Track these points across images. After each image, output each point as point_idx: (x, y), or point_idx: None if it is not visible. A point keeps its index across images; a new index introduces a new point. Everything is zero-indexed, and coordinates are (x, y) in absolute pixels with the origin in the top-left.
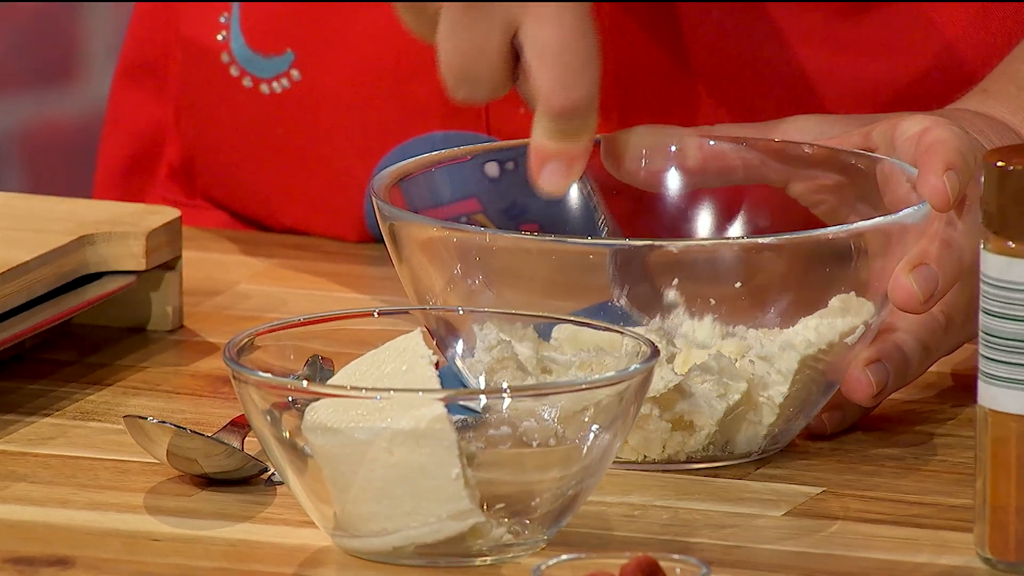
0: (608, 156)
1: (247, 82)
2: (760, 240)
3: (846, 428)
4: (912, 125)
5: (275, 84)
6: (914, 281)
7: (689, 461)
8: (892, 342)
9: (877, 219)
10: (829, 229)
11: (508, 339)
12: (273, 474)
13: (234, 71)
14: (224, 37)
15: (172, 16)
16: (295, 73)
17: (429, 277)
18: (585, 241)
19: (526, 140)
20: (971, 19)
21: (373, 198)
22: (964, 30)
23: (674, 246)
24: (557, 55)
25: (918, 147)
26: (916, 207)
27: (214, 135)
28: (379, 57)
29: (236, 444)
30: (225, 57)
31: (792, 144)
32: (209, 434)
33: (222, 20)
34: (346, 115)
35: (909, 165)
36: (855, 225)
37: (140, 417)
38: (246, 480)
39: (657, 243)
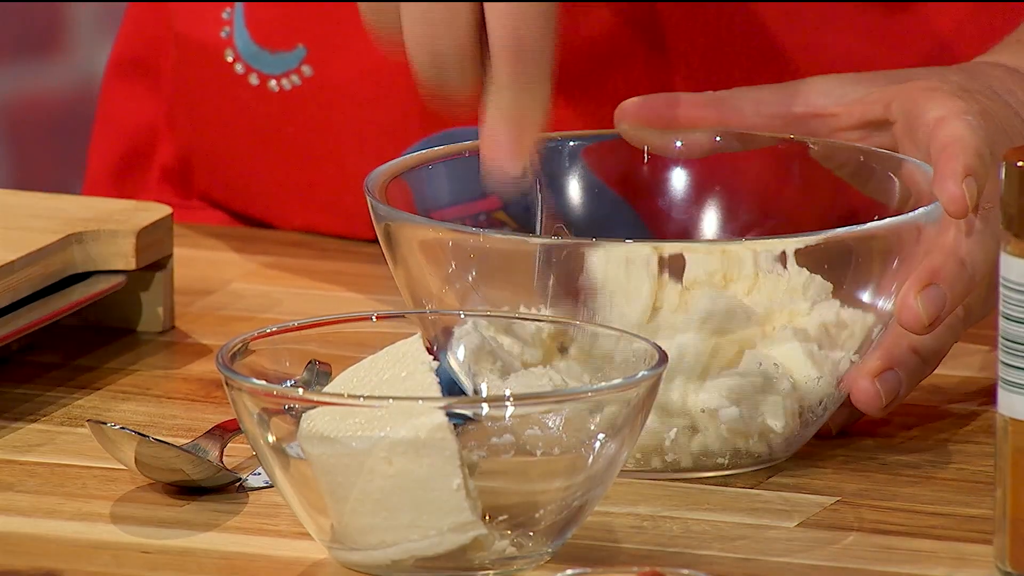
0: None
1: (253, 79)
2: (767, 241)
3: (854, 427)
4: (930, 108)
5: (284, 81)
6: (922, 304)
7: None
8: (907, 346)
9: (890, 219)
10: (840, 230)
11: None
12: (246, 479)
13: (239, 68)
14: (227, 34)
15: (165, 13)
16: (306, 69)
17: (426, 279)
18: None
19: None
20: (1019, 12)
21: (368, 197)
22: (1009, 24)
23: (676, 247)
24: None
25: (934, 142)
26: (931, 207)
27: (215, 134)
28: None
29: (212, 452)
30: (229, 54)
31: (801, 141)
32: (180, 444)
33: (224, 16)
34: (360, 112)
35: (925, 163)
36: (867, 226)
37: (101, 423)
38: (220, 488)
39: (653, 243)
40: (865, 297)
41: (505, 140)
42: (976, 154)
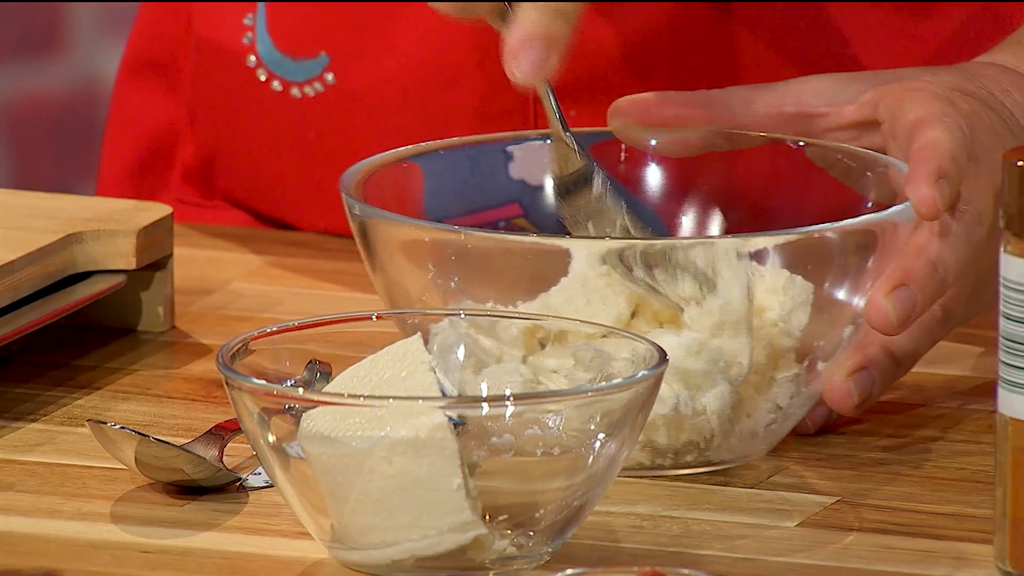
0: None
1: (276, 85)
2: (747, 238)
3: (833, 426)
4: (911, 110)
5: (307, 88)
6: (891, 305)
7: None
8: (881, 346)
9: (865, 216)
10: (815, 227)
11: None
12: (246, 479)
13: (262, 74)
14: (250, 40)
15: (183, 13)
16: (329, 76)
17: (405, 279)
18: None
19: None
20: None
21: (343, 194)
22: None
23: (655, 244)
24: None
25: (911, 145)
26: (905, 204)
27: (237, 137)
28: (419, 61)
29: (212, 452)
30: (251, 60)
31: (791, 140)
32: (180, 444)
33: (247, 22)
34: (382, 119)
35: (903, 162)
36: (843, 223)
37: (101, 422)
38: (220, 488)
39: (629, 240)
40: (842, 295)
41: (526, 58)
42: (950, 157)
